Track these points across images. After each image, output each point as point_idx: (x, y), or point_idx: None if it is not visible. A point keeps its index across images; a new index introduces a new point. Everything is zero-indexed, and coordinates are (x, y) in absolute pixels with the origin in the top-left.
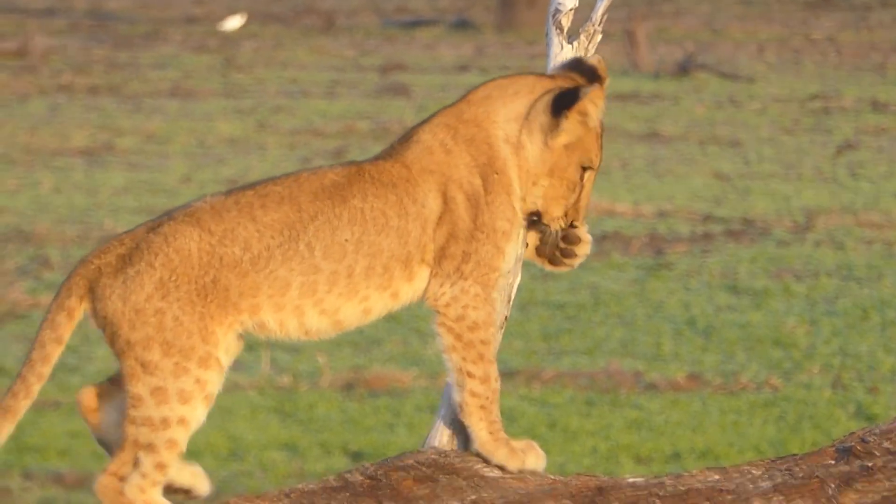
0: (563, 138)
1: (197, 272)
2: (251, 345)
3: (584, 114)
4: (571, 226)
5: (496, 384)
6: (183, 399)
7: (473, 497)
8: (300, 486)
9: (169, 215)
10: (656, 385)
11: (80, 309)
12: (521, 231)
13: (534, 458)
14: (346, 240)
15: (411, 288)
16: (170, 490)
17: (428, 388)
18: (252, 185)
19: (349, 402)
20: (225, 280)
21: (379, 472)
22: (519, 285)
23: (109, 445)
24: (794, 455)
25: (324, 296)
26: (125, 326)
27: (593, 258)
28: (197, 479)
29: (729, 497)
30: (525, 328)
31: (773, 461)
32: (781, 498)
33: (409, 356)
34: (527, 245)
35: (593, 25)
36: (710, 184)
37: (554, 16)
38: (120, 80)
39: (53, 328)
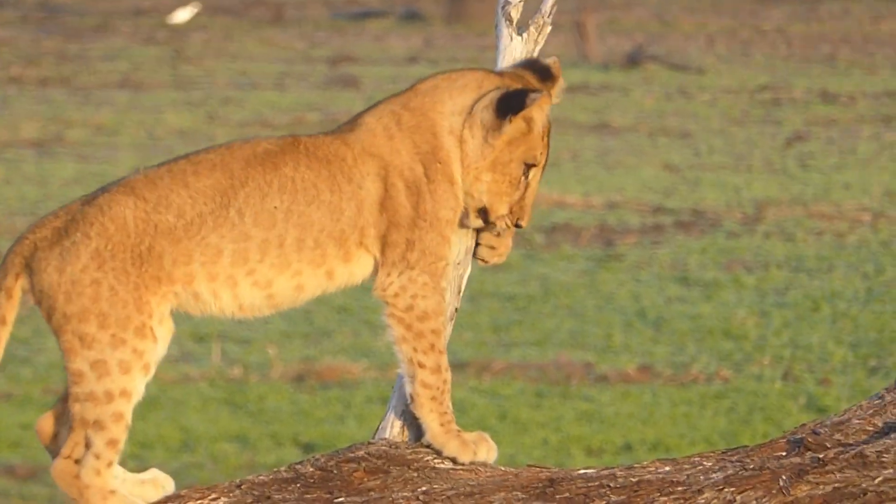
0: (504, 138)
1: (133, 240)
2: (202, 336)
3: (529, 120)
4: (517, 225)
5: (447, 375)
6: (123, 370)
7: (425, 488)
8: (251, 477)
9: (103, 189)
10: (607, 377)
11: (18, 287)
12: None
13: (485, 450)
14: (276, 207)
15: (347, 270)
16: None
17: (378, 380)
18: (185, 155)
19: (300, 394)
20: (159, 247)
21: (330, 464)
22: (469, 276)
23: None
24: (746, 447)
25: (255, 265)
26: (61, 299)
27: (543, 249)
28: (159, 487)
29: (680, 488)
30: (475, 320)
31: (724, 453)
32: (733, 490)
33: (360, 348)
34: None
35: (543, 17)
36: (659, 175)
37: (503, 7)
38: (70, 71)
39: None
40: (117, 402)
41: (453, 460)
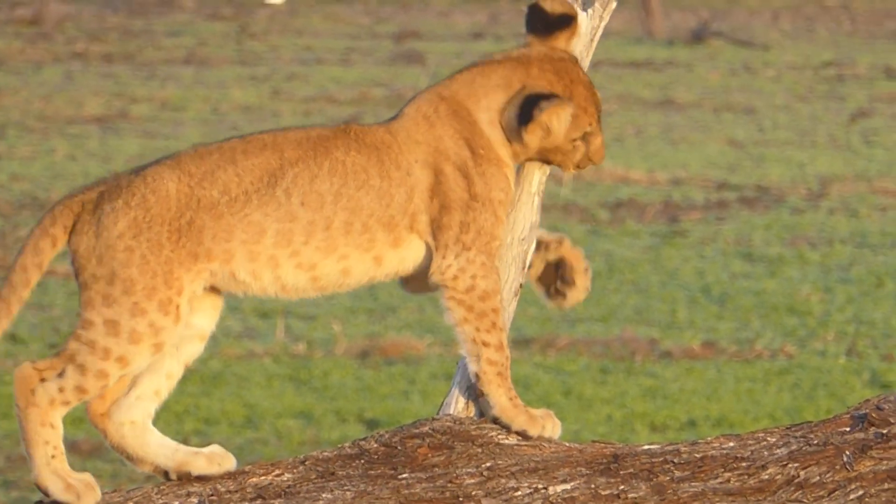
0: (532, 143)
1: (173, 213)
2: (266, 312)
3: (545, 129)
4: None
5: (508, 351)
6: (133, 340)
7: (489, 464)
8: (315, 453)
9: (158, 161)
10: (671, 353)
11: (63, 239)
12: (536, 198)
13: (550, 426)
14: (326, 189)
15: (397, 255)
16: (191, 478)
17: (442, 356)
18: (241, 136)
19: (364, 370)
20: (200, 221)
21: (394, 440)
22: (533, 252)
23: (126, 451)
24: (810, 422)
25: (300, 247)
26: (93, 261)
27: (608, 225)
28: (214, 463)
29: (744, 464)
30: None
31: (788, 428)
32: (797, 465)
33: (424, 323)
34: (531, 266)
35: None
36: (724, 151)
37: None
38: (134, 47)
39: (37, 253)
40: (109, 363)
41: (522, 434)
